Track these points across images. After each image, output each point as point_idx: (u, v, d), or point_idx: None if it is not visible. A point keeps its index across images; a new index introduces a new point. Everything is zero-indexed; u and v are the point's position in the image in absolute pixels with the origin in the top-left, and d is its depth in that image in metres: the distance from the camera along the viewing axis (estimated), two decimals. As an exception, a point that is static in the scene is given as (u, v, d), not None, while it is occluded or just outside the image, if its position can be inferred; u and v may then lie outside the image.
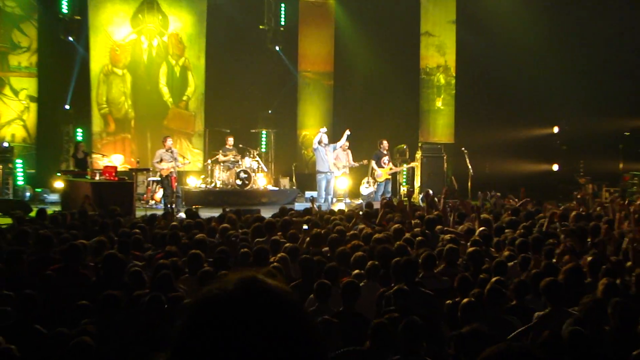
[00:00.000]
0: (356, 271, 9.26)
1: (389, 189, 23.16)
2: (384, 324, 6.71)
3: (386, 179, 23.07)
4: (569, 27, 26.49)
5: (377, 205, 17.98)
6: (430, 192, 18.98)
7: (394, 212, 15.24)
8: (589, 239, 11.71)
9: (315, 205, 17.41)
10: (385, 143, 23.42)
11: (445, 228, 13.27)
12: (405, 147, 25.42)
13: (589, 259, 9.61)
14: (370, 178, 25.53)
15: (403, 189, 24.73)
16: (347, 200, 23.14)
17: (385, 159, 23.11)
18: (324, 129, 23.02)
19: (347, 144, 22.97)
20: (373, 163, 23.27)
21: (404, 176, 25.18)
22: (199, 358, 1.78)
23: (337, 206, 21.34)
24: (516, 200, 18.72)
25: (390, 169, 23.24)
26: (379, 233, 12.20)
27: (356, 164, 23.31)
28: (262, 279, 1.87)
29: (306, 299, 8.27)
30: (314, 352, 1.83)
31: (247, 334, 1.76)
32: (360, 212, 15.61)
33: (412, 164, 24.26)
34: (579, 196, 19.00)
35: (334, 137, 23.30)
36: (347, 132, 22.70)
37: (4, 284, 8.60)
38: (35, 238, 11.18)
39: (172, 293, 8.08)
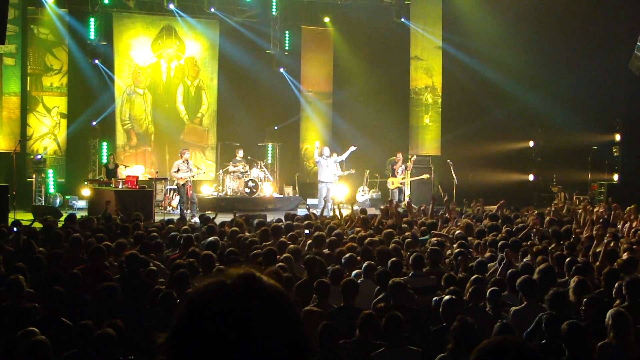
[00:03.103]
0: (356, 270, 9.29)
1: (402, 197, 22.84)
2: (371, 316, 6.74)
3: (397, 187, 22.78)
4: (543, 52, 26.55)
5: (370, 211, 17.98)
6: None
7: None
8: (562, 242, 11.72)
9: (311, 212, 17.40)
10: (399, 155, 23.14)
11: (433, 232, 13.26)
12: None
13: (567, 260, 9.57)
14: (365, 187, 25.53)
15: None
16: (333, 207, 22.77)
17: (400, 169, 22.85)
18: (317, 143, 23.04)
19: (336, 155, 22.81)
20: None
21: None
22: (195, 341, 1.77)
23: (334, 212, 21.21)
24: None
25: (403, 178, 22.98)
26: (372, 236, 12.20)
27: (344, 173, 23.25)
28: (259, 275, 1.87)
29: (312, 295, 8.27)
30: (299, 342, 1.82)
31: (240, 323, 1.76)
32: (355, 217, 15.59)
33: (424, 175, 23.88)
34: (553, 206, 18.99)
35: (331, 150, 23.12)
36: (353, 148, 22.47)
37: (38, 283, 8.61)
38: (66, 240, 11.21)
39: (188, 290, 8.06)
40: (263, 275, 1.88)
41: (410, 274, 9.30)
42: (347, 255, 9.97)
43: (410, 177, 23.62)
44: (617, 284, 7.93)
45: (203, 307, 1.81)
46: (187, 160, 21.28)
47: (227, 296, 1.80)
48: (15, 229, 13.10)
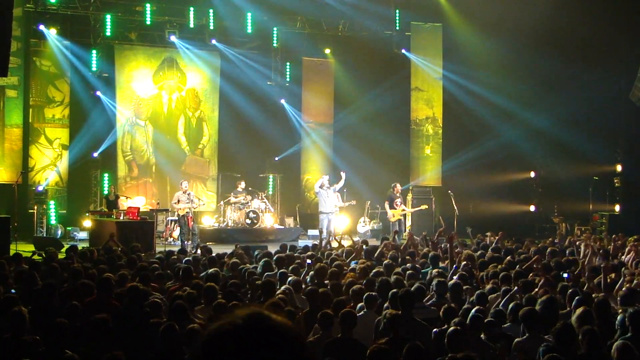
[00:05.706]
0: (359, 303, 9.28)
1: (403, 229, 22.80)
2: (383, 350, 6.69)
3: (398, 219, 22.77)
4: (544, 85, 26.68)
5: (372, 242, 17.96)
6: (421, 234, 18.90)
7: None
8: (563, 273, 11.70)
9: (322, 237, 17.39)
10: (398, 186, 23.10)
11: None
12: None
13: (570, 291, 9.57)
14: (366, 217, 25.53)
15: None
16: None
17: (398, 201, 22.79)
18: (326, 176, 23.01)
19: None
20: (386, 205, 22.99)
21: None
22: None
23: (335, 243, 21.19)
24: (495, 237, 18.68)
25: (402, 210, 23.00)
26: (375, 267, 12.20)
27: (345, 204, 23.26)
28: (268, 314, 1.91)
29: (313, 326, 8.26)
30: None
31: None
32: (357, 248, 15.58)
33: (423, 207, 23.96)
34: (551, 238, 19.02)
35: (331, 181, 23.16)
36: (343, 175, 22.58)
37: (38, 314, 8.60)
38: (68, 271, 11.22)
39: (187, 322, 8.04)
40: (271, 312, 1.92)
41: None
42: (353, 287, 9.94)
43: (411, 208, 23.71)
44: (619, 316, 7.92)
45: (217, 349, 1.85)
46: (187, 192, 21.33)
47: (239, 337, 1.84)
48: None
